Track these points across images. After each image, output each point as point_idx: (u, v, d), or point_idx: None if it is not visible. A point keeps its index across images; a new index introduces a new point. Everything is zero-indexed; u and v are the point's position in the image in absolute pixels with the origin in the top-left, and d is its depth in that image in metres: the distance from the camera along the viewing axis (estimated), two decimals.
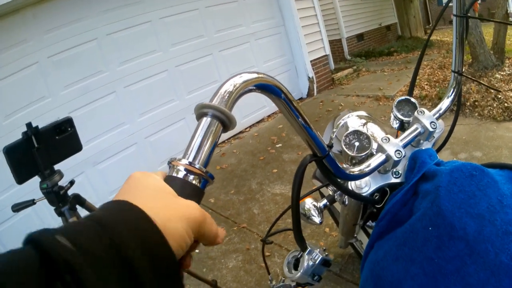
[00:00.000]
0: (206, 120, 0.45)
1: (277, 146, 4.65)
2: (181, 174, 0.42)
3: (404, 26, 13.92)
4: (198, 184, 0.42)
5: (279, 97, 0.54)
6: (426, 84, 5.89)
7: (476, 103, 4.59)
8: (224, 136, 5.22)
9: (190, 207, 0.39)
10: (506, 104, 4.37)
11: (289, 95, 0.55)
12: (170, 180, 0.42)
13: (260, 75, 0.51)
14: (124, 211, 0.34)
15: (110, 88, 4.24)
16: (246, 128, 5.57)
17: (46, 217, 3.64)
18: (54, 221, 3.74)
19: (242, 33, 5.66)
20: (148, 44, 4.58)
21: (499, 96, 4.55)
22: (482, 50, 5.66)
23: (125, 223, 0.32)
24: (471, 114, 4.50)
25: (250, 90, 0.50)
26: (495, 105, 4.44)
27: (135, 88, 4.45)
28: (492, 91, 4.70)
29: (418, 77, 1.01)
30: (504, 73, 5.38)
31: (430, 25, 20.63)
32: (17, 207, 1.99)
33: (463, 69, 0.89)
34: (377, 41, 11.93)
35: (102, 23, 4.19)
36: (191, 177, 0.42)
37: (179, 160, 0.43)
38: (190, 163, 0.42)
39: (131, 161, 4.38)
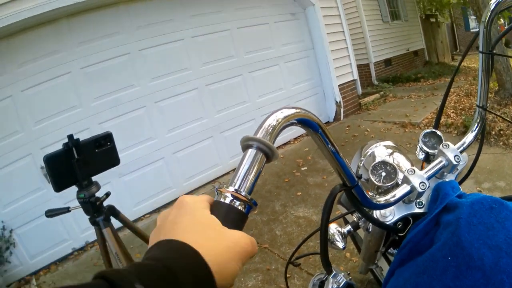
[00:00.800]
0: (251, 152, 0.50)
1: (302, 169, 4.69)
2: (228, 200, 0.46)
3: (431, 52, 13.89)
4: (243, 210, 0.46)
5: (316, 131, 0.59)
6: (452, 112, 5.87)
7: (501, 132, 4.57)
8: None
9: (240, 241, 0.43)
10: None
11: (325, 129, 0.60)
12: (217, 205, 0.46)
13: (298, 110, 0.56)
14: (186, 255, 0.38)
15: (140, 102, 4.38)
16: None
17: (68, 221, 3.80)
18: (76, 225, 3.84)
19: (271, 55, 5.77)
20: (180, 62, 4.72)
21: None
22: (508, 78, 5.64)
23: (187, 270, 0.36)
24: (496, 143, 4.49)
25: (291, 124, 0.55)
26: None
27: (165, 104, 4.57)
28: None
29: (445, 102, 1.06)
30: None
31: (458, 50, 20.49)
32: (51, 213, 2.06)
33: (488, 102, 0.94)
34: (404, 66, 11.91)
35: (135, 39, 4.35)
36: (237, 203, 0.46)
37: (227, 187, 0.47)
38: (236, 190, 0.47)
39: (157, 176, 4.48)
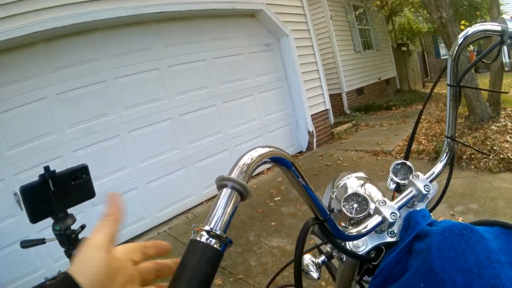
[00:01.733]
0: (226, 191, 0.51)
1: (275, 199, 4.78)
2: (203, 239, 0.47)
3: (403, 80, 14.29)
4: (218, 248, 0.48)
5: (289, 168, 0.61)
6: (424, 139, 6.06)
7: (473, 155, 4.75)
8: None
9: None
10: (501, 156, 4.53)
11: (297, 166, 0.62)
12: (193, 243, 0.47)
13: (272, 149, 0.58)
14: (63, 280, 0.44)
15: (114, 131, 4.42)
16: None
17: (40, 249, 3.71)
18: (48, 254, 3.83)
19: (246, 86, 5.91)
20: (154, 91, 4.80)
21: (495, 148, 4.72)
22: (478, 103, 5.86)
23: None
24: (467, 166, 4.67)
25: (265, 163, 0.57)
26: (491, 156, 4.61)
27: (139, 133, 4.63)
28: (488, 143, 4.89)
29: (415, 133, 1.13)
30: (500, 124, 5.55)
31: (429, 77, 21.07)
32: (26, 244, 2.05)
33: (456, 132, 0.99)
34: (376, 95, 12.22)
35: (111, 67, 4.43)
36: (213, 241, 0.47)
37: (202, 226, 0.48)
38: (212, 229, 0.48)
39: (131, 205, 4.47)
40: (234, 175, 0.52)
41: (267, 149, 0.57)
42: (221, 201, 0.50)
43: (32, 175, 3.59)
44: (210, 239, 0.47)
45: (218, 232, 0.48)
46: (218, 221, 0.49)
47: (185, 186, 5.03)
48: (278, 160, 0.59)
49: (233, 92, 5.71)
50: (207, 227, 0.48)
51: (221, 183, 0.52)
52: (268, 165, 5.87)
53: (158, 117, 4.80)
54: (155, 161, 4.75)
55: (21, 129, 3.81)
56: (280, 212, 4.38)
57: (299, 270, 0.79)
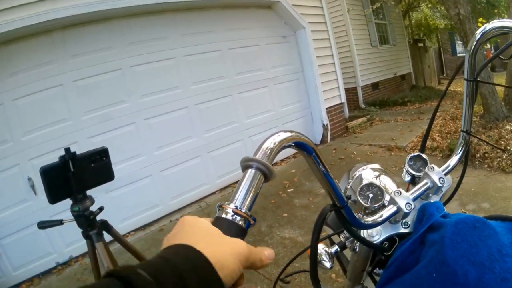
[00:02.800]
0: (251, 172, 0.53)
1: (288, 190, 4.81)
2: (229, 216, 0.49)
3: (418, 76, 14.20)
4: (243, 225, 0.50)
5: (310, 154, 0.62)
6: (438, 136, 6.04)
7: (486, 155, 4.74)
8: (237, 177, 5.35)
9: (237, 244, 0.47)
10: None
11: (318, 151, 0.64)
12: (219, 220, 0.50)
13: (294, 134, 0.59)
14: (189, 253, 0.42)
15: (130, 118, 4.48)
16: None
17: (52, 234, 3.82)
18: (60, 239, 3.88)
19: (261, 77, 5.93)
20: (170, 80, 4.84)
21: (509, 148, 4.70)
22: (493, 102, 5.82)
23: (188, 264, 0.41)
24: (480, 165, 4.66)
25: (288, 146, 0.59)
26: (504, 156, 4.59)
27: (155, 121, 4.67)
28: (502, 143, 4.86)
29: (431, 127, 1.13)
30: None
31: (444, 74, 20.89)
32: (44, 225, 2.11)
33: (472, 127, 1.00)
34: (391, 90, 12.17)
35: (127, 55, 4.47)
36: (238, 218, 0.50)
37: (228, 204, 0.51)
38: (237, 207, 0.50)
39: (144, 193, 4.55)
40: (258, 156, 0.54)
41: (289, 134, 0.59)
42: (246, 181, 0.53)
43: (47, 161, 3.66)
44: (235, 216, 0.50)
45: (243, 210, 0.50)
46: (243, 199, 0.51)
47: (198, 175, 5.08)
48: (300, 145, 0.61)
49: (249, 83, 5.74)
50: (232, 205, 0.50)
51: (246, 164, 0.54)
52: (282, 156, 5.96)
53: (174, 106, 4.84)
54: (170, 149, 4.80)
55: (37, 115, 3.87)
56: (293, 204, 4.41)
57: (315, 255, 0.82)
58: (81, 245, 3.83)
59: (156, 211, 4.64)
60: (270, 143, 0.57)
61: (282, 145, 0.57)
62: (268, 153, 0.55)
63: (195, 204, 4.94)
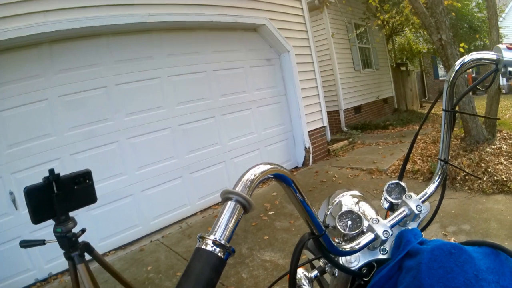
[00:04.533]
0: (230, 204, 0.56)
1: (270, 213, 4.88)
2: (209, 247, 0.52)
3: (400, 99, 14.49)
4: (222, 256, 0.52)
5: (289, 185, 0.66)
6: (419, 159, 6.14)
7: (467, 177, 4.86)
8: (218, 199, 5.42)
9: None
10: (495, 178, 4.64)
11: (296, 182, 0.67)
12: (200, 251, 0.52)
13: (273, 166, 0.63)
14: None
15: (113, 137, 4.53)
16: None
17: (33, 250, 3.81)
18: (41, 256, 3.90)
19: (245, 99, 6.06)
20: (155, 100, 4.93)
21: (489, 170, 4.82)
22: (474, 125, 5.95)
23: None
24: (461, 188, 4.78)
25: (267, 179, 0.62)
26: (485, 178, 4.72)
27: (138, 140, 4.74)
28: (483, 165, 5.00)
29: (410, 153, 1.18)
30: (495, 146, 5.61)
31: (427, 98, 21.29)
32: (26, 244, 2.14)
33: (449, 155, 1.04)
34: (373, 113, 12.40)
35: (113, 72, 4.56)
36: (217, 249, 0.52)
37: (208, 235, 0.53)
38: (217, 239, 0.52)
39: (125, 212, 4.58)
40: (238, 189, 0.58)
41: (268, 166, 0.63)
42: (226, 213, 0.56)
43: (29, 175, 3.72)
44: (215, 247, 0.52)
45: (222, 242, 0.53)
46: (222, 231, 0.54)
47: (180, 196, 5.14)
48: (279, 177, 0.64)
49: (232, 105, 5.85)
50: (212, 237, 0.53)
51: (226, 196, 0.57)
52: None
53: (157, 126, 4.92)
54: (152, 169, 4.85)
55: (21, 128, 3.88)
56: (274, 226, 4.47)
57: (294, 282, 0.80)
58: (61, 262, 3.85)
59: (137, 231, 4.66)
60: (250, 175, 0.60)
61: (262, 177, 0.61)
62: (248, 185, 0.58)
63: (175, 225, 4.97)
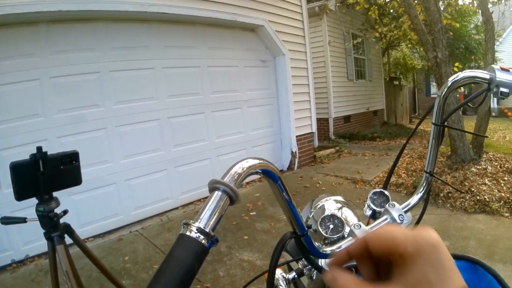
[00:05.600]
0: (217, 194, 0.55)
1: (251, 213, 4.92)
2: (193, 234, 0.50)
3: (390, 113, 14.64)
4: (205, 244, 0.51)
5: (275, 182, 0.65)
6: (404, 173, 6.25)
7: (450, 194, 4.95)
8: (201, 194, 5.53)
9: None
10: (478, 197, 4.73)
11: (283, 180, 0.67)
12: (183, 237, 0.50)
13: (261, 161, 0.62)
14: None
15: (102, 123, 4.54)
16: None
17: (12, 230, 3.80)
18: (19, 236, 3.89)
19: (236, 98, 6.11)
20: (146, 90, 4.95)
21: (472, 189, 4.91)
22: (461, 144, 6.04)
23: None
24: (443, 204, 4.86)
25: (255, 173, 0.61)
26: (467, 197, 4.81)
27: (126, 129, 4.75)
28: (466, 184, 5.08)
29: (396, 165, 1.18)
30: (480, 167, 5.71)
31: (416, 114, 21.47)
32: (7, 221, 2.12)
33: (435, 168, 1.05)
34: (362, 124, 12.53)
35: (108, 59, 4.56)
36: (201, 237, 0.50)
37: (193, 222, 0.51)
38: (202, 226, 0.51)
39: (107, 200, 4.58)
40: (226, 180, 0.57)
41: (257, 161, 0.62)
42: (212, 202, 0.54)
43: (14, 154, 3.71)
44: (199, 234, 0.50)
45: (207, 230, 0.51)
46: (207, 220, 0.52)
47: (163, 189, 5.16)
48: (267, 173, 0.64)
49: (223, 103, 5.89)
50: (197, 224, 0.51)
51: (213, 186, 0.56)
52: (248, 179, 6.01)
53: (146, 116, 4.93)
54: (137, 159, 4.87)
55: (9, 106, 3.85)
56: (254, 227, 4.51)
57: (272, 281, 0.80)
58: (39, 245, 3.84)
59: (117, 220, 4.66)
60: (238, 168, 0.59)
61: (250, 171, 0.60)
62: (236, 177, 0.58)
63: (156, 218, 4.98)
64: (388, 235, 0.42)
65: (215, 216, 0.53)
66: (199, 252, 0.50)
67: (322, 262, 0.84)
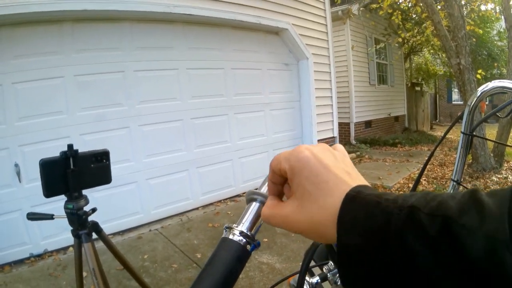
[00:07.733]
0: (255, 205, 0.56)
1: None
2: (236, 237, 0.52)
3: (411, 119, 14.46)
4: (248, 248, 0.53)
5: None
6: (425, 179, 6.19)
7: None
8: (221, 196, 5.52)
9: None
10: None
11: None
12: (226, 240, 0.52)
13: None
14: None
15: (125, 122, 4.56)
16: (243, 192, 5.79)
17: (31, 225, 3.82)
18: (38, 231, 3.92)
19: (259, 101, 6.09)
20: (170, 91, 4.96)
21: None
22: (483, 152, 5.97)
23: None
24: None
25: None
26: None
27: (148, 129, 4.76)
28: None
29: (424, 171, 1.18)
30: (501, 176, 5.65)
31: (437, 120, 21.27)
32: (34, 217, 2.09)
33: (462, 178, 1.06)
34: (383, 130, 12.41)
35: (132, 58, 4.58)
36: (244, 241, 0.52)
37: (236, 226, 0.53)
38: (244, 230, 0.53)
39: (128, 198, 4.60)
40: (263, 191, 0.57)
41: None
42: (251, 212, 0.56)
43: (37, 150, 3.72)
44: (241, 238, 0.52)
45: (249, 234, 0.53)
46: (249, 224, 0.54)
47: (184, 189, 5.16)
48: None
49: (246, 105, 5.88)
50: (239, 228, 0.53)
51: (251, 197, 0.57)
52: None
53: (169, 117, 4.94)
54: (159, 159, 4.88)
55: (34, 102, 3.89)
56: (274, 230, 4.45)
57: (302, 285, 0.81)
58: (58, 240, 3.89)
59: (137, 218, 4.68)
60: None
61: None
62: None
63: (176, 217, 4.99)
64: (276, 158, 0.48)
65: (256, 223, 0.55)
66: (242, 255, 0.51)
67: None
